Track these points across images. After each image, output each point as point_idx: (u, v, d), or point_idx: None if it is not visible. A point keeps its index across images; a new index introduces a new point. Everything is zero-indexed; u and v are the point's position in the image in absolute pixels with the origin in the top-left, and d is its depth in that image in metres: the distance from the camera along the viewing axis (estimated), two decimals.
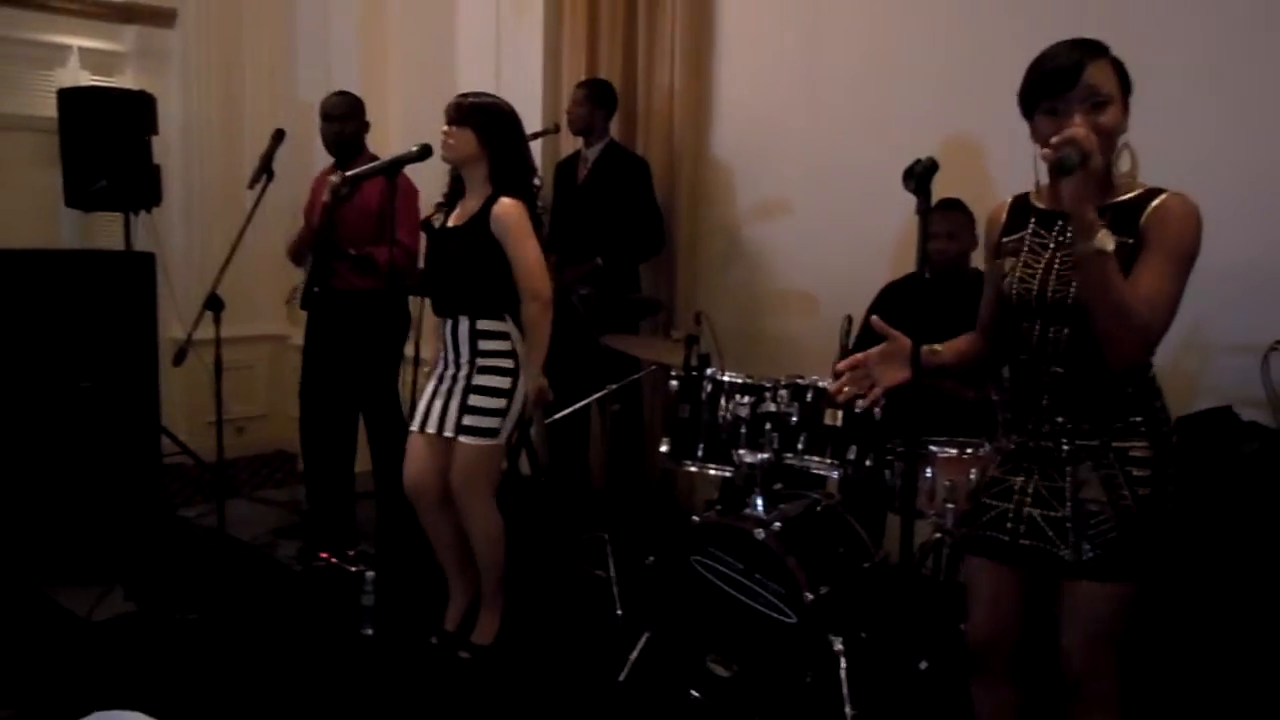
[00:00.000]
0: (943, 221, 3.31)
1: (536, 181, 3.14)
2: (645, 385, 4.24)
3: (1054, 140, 1.76)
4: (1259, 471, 2.85)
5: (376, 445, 4.09)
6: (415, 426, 3.14)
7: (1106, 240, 1.75)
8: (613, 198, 4.22)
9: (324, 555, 3.77)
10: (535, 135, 4.16)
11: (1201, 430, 3.02)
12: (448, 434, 3.05)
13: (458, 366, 3.07)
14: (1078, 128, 1.77)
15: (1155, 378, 1.95)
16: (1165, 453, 1.92)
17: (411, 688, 2.99)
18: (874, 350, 2.04)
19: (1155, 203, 1.86)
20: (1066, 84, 1.84)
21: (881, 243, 3.78)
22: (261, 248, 4.48)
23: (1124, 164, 1.91)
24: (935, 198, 3.21)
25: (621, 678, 2.96)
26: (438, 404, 3.09)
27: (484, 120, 3.01)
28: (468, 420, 3.02)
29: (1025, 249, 1.98)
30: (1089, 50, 1.87)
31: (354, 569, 3.63)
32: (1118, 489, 1.89)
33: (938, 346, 2.14)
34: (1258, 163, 3.14)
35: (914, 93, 3.82)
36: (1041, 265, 1.95)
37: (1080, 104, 1.84)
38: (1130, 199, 1.89)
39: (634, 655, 2.96)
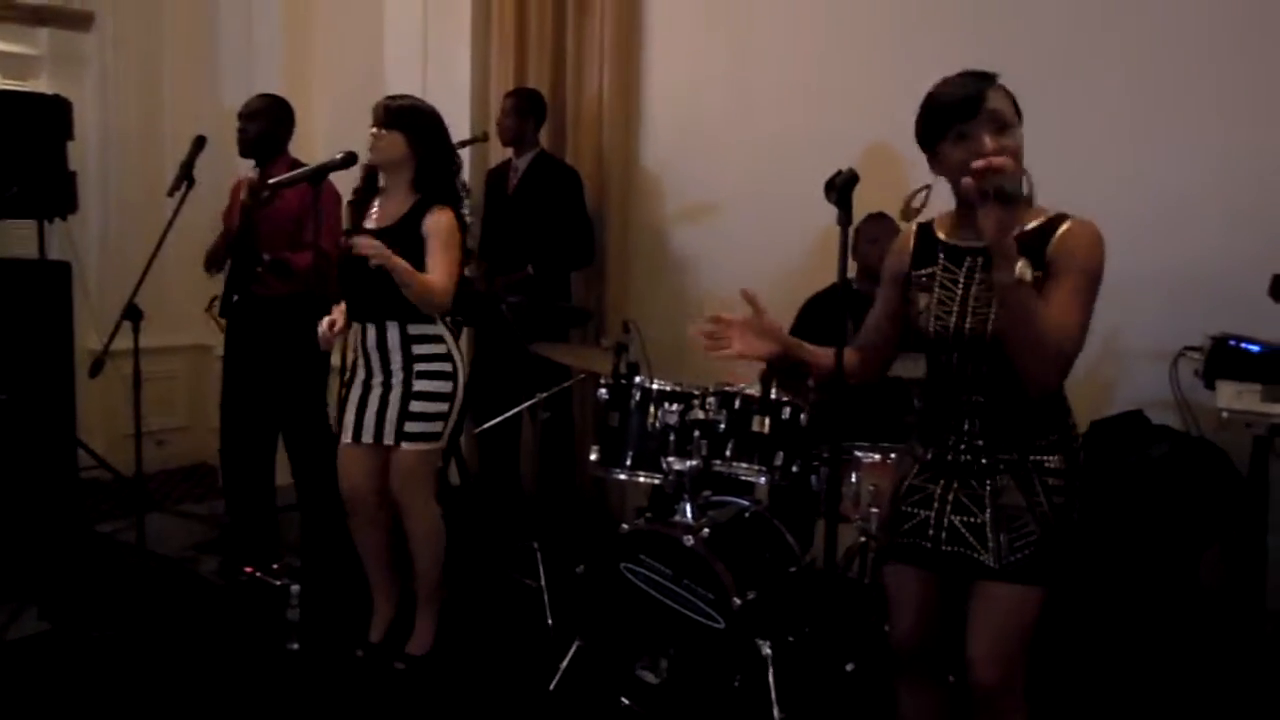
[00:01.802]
0: (874, 228, 3.40)
1: (463, 189, 3.11)
2: (576, 393, 4.25)
3: (976, 166, 1.79)
4: (1167, 471, 2.96)
5: (299, 457, 4.02)
6: (348, 438, 3.09)
7: (1026, 270, 1.79)
8: (543, 207, 4.23)
9: (248, 569, 3.70)
10: (464, 143, 4.14)
11: (1115, 433, 3.13)
12: (388, 442, 3.02)
13: (387, 374, 3.03)
14: (1005, 158, 1.80)
15: (1065, 396, 2.01)
16: (1075, 465, 1.99)
17: (341, 702, 2.95)
18: (740, 317, 2.08)
19: (1061, 230, 1.90)
20: (971, 110, 1.89)
21: (809, 251, 3.84)
22: (182, 256, 4.38)
23: (1023, 188, 1.94)
24: (860, 208, 3.34)
25: (552, 686, 2.95)
26: (370, 413, 3.04)
27: (413, 123, 2.99)
28: (410, 427, 3.00)
29: (938, 285, 2.01)
30: (988, 79, 1.92)
31: (279, 583, 3.57)
32: (1035, 496, 1.95)
33: (810, 346, 2.17)
34: (1166, 186, 3.29)
35: (841, 102, 3.90)
36: (956, 302, 1.98)
37: (988, 128, 1.88)
38: (1036, 228, 1.93)
39: (564, 664, 2.96)
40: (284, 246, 3.74)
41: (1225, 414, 2.49)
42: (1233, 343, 2.73)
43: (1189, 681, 2.95)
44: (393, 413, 3.01)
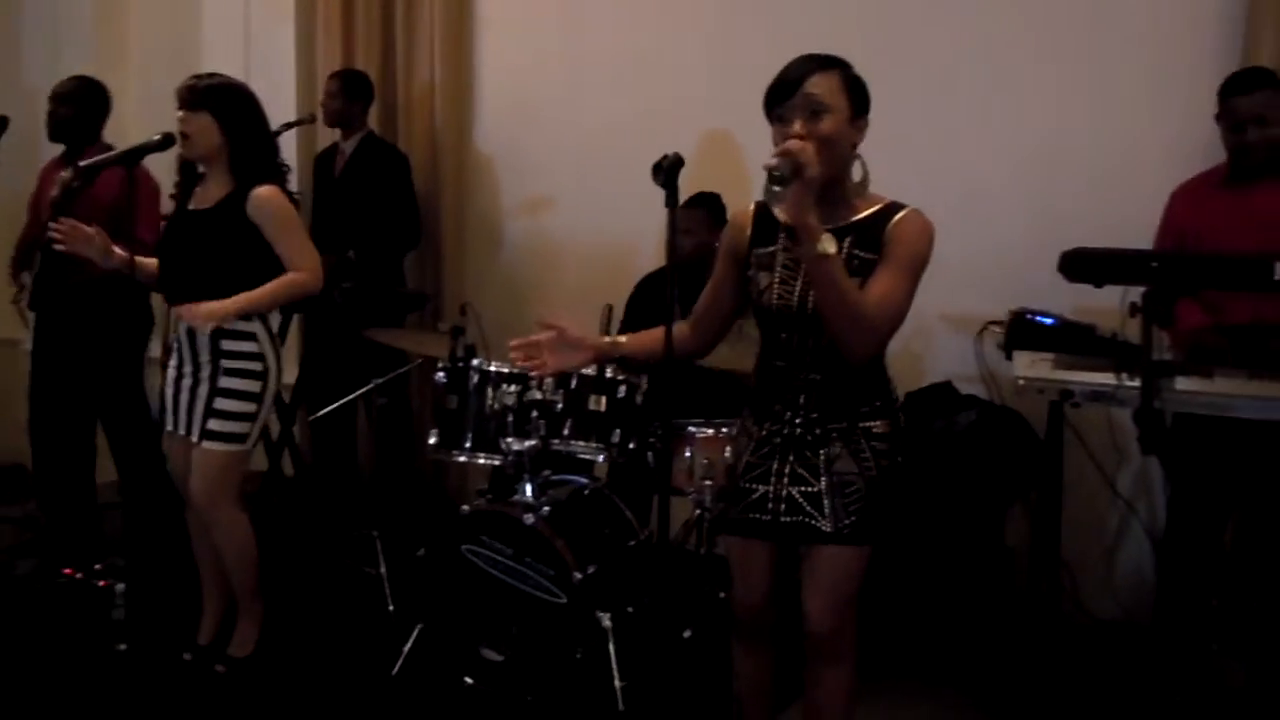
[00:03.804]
0: (685, 219, 3.50)
1: (283, 163, 3.02)
2: (415, 378, 4.22)
3: (773, 153, 1.87)
4: (973, 437, 3.19)
5: (121, 448, 3.85)
6: (169, 425, 2.97)
7: (829, 244, 1.87)
8: (370, 191, 4.16)
9: (67, 571, 3.52)
10: (289, 125, 4.05)
11: (927, 402, 3.35)
12: (192, 438, 2.91)
13: (196, 365, 2.90)
14: (792, 141, 1.89)
15: (886, 366, 2.14)
16: (898, 429, 2.13)
17: (166, 706, 2.86)
18: (543, 336, 2.15)
19: (896, 218, 2.01)
20: (787, 93, 1.97)
21: (644, 233, 3.92)
22: None
23: (856, 174, 2.05)
24: (696, 190, 3.46)
25: (394, 671, 2.94)
26: (182, 402, 2.92)
27: (222, 102, 2.85)
28: (212, 425, 2.87)
29: (779, 264, 2.08)
30: (819, 63, 1.99)
31: (102, 583, 3.41)
32: (865, 461, 2.08)
33: (621, 339, 2.26)
34: (969, 175, 3.54)
35: (676, 86, 3.98)
36: (799, 280, 2.06)
37: (800, 112, 1.96)
38: (871, 215, 2.03)
39: (407, 648, 2.95)
40: None
41: (1021, 381, 2.69)
42: (1029, 316, 2.94)
43: (994, 627, 3.19)
44: (199, 407, 2.88)
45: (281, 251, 2.86)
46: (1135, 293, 2.48)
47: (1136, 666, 3.07)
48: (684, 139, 3.82)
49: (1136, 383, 2.46)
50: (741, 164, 3.73)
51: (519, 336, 3.43)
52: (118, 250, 2.91)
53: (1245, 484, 2.82)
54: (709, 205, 3.47)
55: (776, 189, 1.84)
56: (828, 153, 1.93)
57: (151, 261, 2.99)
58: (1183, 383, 2.48)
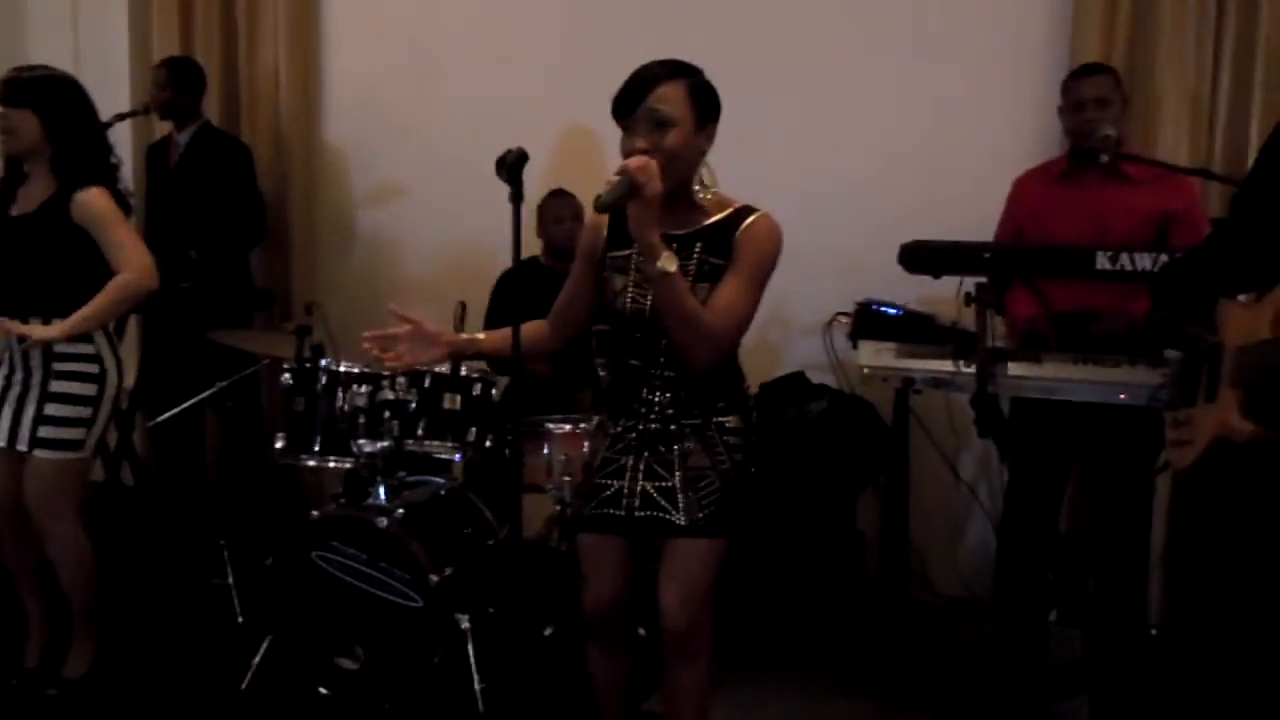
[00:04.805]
0: (558, 207, 3.50)
1: (114, 159, 2.86)
2: (264, 380, 4.07)
3: (614, 172, 1.88)
4: (824, 426, 3.28)
5: None
6: None
7: (669, 262, 1.90)
8: (208, 184, 3.98)
9: None
10: (121, 117, 3.83)
11: (780, 392, 3.42)
12: (21, 448, 2.74)
13: (26, 372, 2.75)
14: (632, 159, 1.90)
15: (739, 362, 2.17)
16: (750, 423, 2.16)
17: None
18: (399, 329, 2.12)
19: (746, 223, 2.02)
20: (632, 105, 1.97)
21: (498, 229, 3.86)
22: None
23: (704, 180, 2.05)
24: (554, 186, 3.45)
25: (244, 685, 2.83)
26: (7, 413, 2.76)
27: (46, 97, 2.69)
28: (44, 432, 2.72)
29: (633, 267, 2.07)
30: (665, 73, 1.98)
31: None
32: (717, 455, 2.10)
33: (480, 335, 2.26)
34: (818, 173, 3.63)
35: (532, 77, 3.94)
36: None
37: (645, 125, 1.96)
38: (722, 220, 2.04)
39: (256, 660, 2.84)
40: None
41: (866, 370, 2.78)
42: (875, 307, 3.04)
43: (847, 607, 3.29)
44: (27, 414, 2.73)
45: (108, 253, 2.73)
46: (972, 283, 2.58)
47: (980, 639, 3.21)
48: (543, 132, 3.83)
49: (973, 369, 2.57)
50: (601, 159, 3.72)
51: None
52: None
53: (1075, 463, 2.98)
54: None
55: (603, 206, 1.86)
56: (672, 166, 1.94)
57: None
58: (1014, 368, 2.61)
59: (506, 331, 2.18)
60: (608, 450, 2.18)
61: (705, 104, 2.01)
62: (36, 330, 2.68)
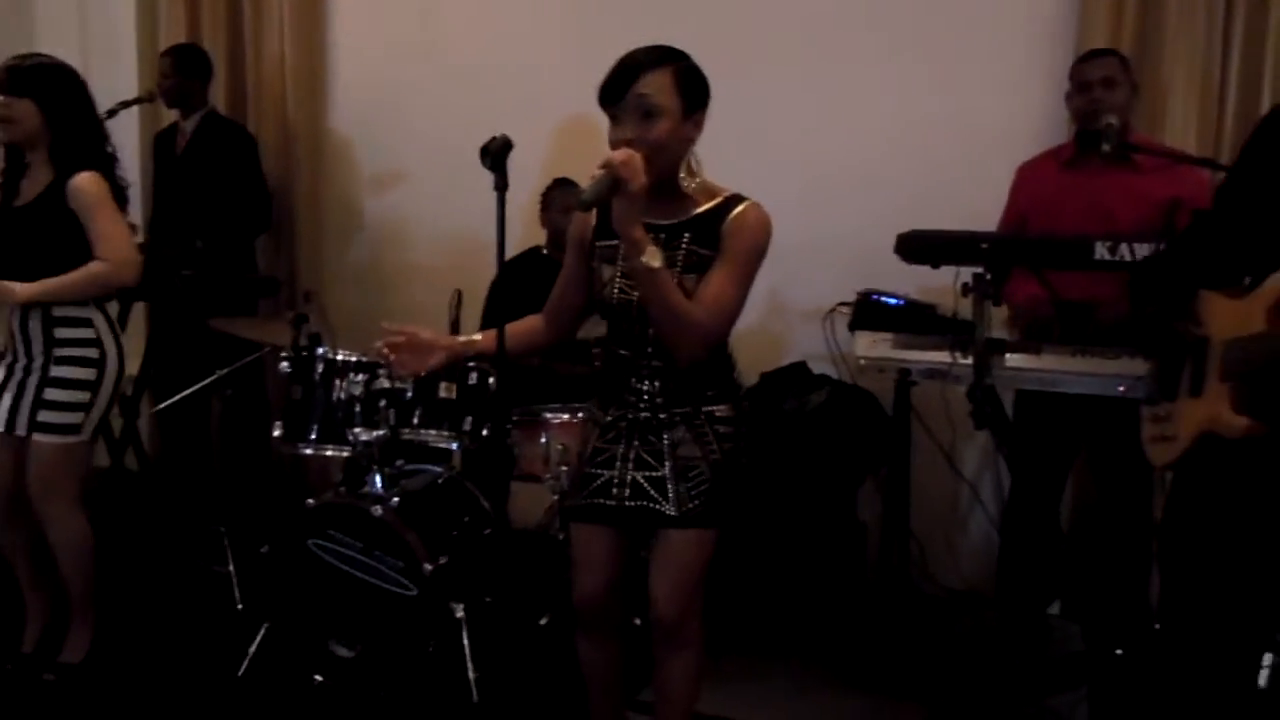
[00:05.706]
0: (566, 196, 3.48)
1: (111, 148, 2.87)
2: (268, 368, 4.08)
3: (598, 166, 1.86)
4: (825, 416, 3.25)
5: None
6: None
7: (654, 258, 1.88)
8: (214, 171, 3.99)
9: None
10: (126, 104, 3.84)
11: (781, 382, 3.40)
12: (20, 432, 2.76)
13: (29, 358, 2.77)
14: (616, 152, 1.87)
15: (730, 351, 2.14)
16: (741, 413, 2.14)
17: None
18: (402, 340, 2.13)
19: (735, 212, 1.99)
20: (618, 94, 1.94)
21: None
22: None
23: (693, 169, 2.02)
24: (560, 175, 3.43)
25: (240, 672, 2.85)
26: (7, 398, 2.78)
27: (43, 86, 2.70)
28: (44, 416, 2.74)
29: (621, 258, 2.04)
30: (652, 60, 1.94)
31: None
32: (708, 445, 2.08)
33: (476, 337, 2.24)
34: (817, 163, 3.60)
35: (536, 67, 3.91)
36: None
37: (631, 115, 1.93)
38: (710, 209, 2.01)
39: (253, 648, 2.86)
40: None
41: (862, 361, 2.76)
42: (875, 298, 3.01)
43: (847, 598, 3.27)
44: (27, 399, 2.75)
45: (91, 239, 2.73)
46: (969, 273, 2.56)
47: (980, 631, 3.18)
48: (545, 122, 3.81)
49: (969, 360, 2.54)
50: (602, 148, 3.70)
51: (374, 322, 3.36)
52: None
53: (1077, 456, 2.95)
54: None
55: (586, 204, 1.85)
56: (659, 157, 1.92)
57: None
58: (1013, 359, 2.58)
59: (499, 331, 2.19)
60: (598, 439, 2.17)
61: (693, 90, 1.98)
62: (4, 283, 2.69)
